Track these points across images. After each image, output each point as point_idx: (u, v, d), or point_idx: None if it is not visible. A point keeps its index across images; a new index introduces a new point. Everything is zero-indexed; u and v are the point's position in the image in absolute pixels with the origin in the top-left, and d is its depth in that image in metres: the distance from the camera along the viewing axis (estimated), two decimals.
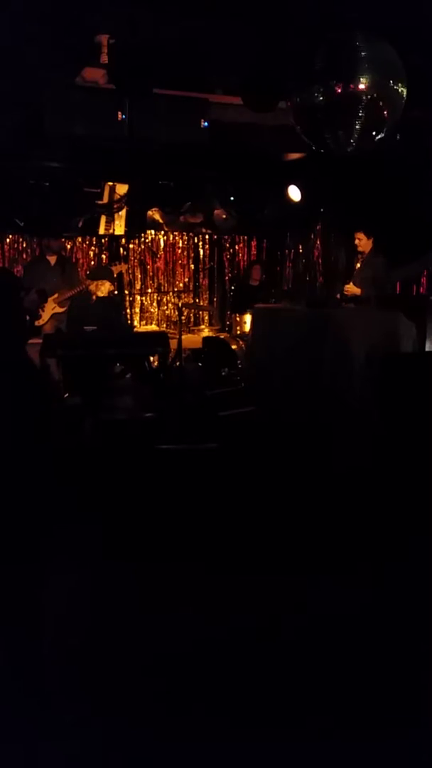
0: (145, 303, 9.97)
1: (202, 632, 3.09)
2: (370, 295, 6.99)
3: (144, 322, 9.89)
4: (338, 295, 7.14)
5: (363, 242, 7.20)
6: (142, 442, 5.38)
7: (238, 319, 8.69)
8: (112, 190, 7.93)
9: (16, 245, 9.00)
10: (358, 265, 7.28)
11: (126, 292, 9.62)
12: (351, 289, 7.08)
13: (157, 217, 8.86)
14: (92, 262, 9.42)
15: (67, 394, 6.40)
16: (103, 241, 9.40)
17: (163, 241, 10.01)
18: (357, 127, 4.64)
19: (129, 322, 9.46)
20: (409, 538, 3.98)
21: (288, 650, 2.96)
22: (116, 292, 8.19)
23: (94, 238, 9.34)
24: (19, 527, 2.35)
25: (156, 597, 3.39)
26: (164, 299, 10.05)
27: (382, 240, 7.22)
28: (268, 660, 2.90)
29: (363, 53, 4.47)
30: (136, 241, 9.76)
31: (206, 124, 5.73)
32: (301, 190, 8.30)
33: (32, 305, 7.18)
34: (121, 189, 7.93)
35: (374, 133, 4.77)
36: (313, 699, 2.67)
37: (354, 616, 3.25)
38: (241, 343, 8.11)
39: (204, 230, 9.87)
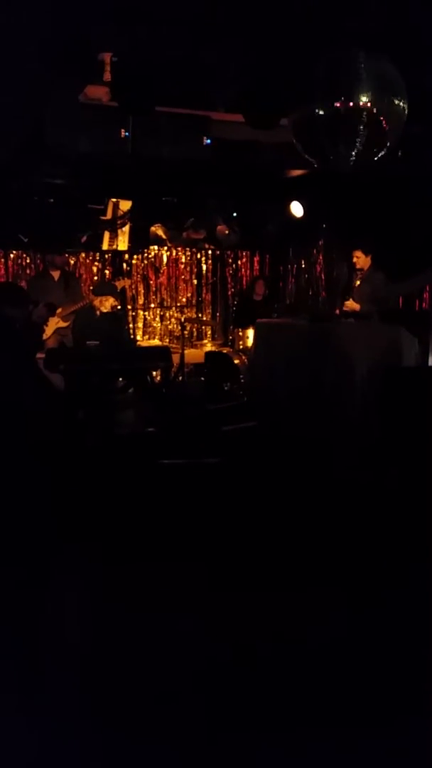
0: (148, 318, 10.00)
1: (203, 645, 3.08)
2: (369, 311, 7.03)
3: (147, 336, 9.91)
4: (338, 311, 7.17)
5: (361, 259, 7.25)
6: (145, 457, 5.38)
7: (240, 333, 8.72)
8: (116, 206, 7.99)
9: (19, 261, 9.04)
10: (358, 282, 7.32)
11: (129, 307, 9.67)
12: (350, 304, 7.12)
13: (160, 232, 8.91)
14: (95, 278, 9.46)
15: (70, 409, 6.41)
16: (106, 256, 9.45)
17: (166, 256, 10.05)
18: (358, 143, 4.67)
19: (132, 336, 9.49)
20: (411, 551, 3.97)
21: (289, 662, 2.95)
22: (119, 307, 8.22)
23: (98, 254, 9.38)
24: (19, 536, 2.36)
25: (157, 611, 3.38)
26: (167, 314, 10.08)
27: (383, 255, 7.25)
28: (268, 669, 2.89)
29: (363, 69, 4.51)
30: (140, 257, 9.81)
31: (208, 141, 5.78)
32: (303, 206, 8.35)
33: (41, 319, 7.19)
34: (125, 205, 7.99)
35: (375, 149, 4.79)
36: (312, 710, 2.66)
37: (355, 628, 3.23)
38: (243, 357, 8.13)
39: (207, 246, 9.92)
